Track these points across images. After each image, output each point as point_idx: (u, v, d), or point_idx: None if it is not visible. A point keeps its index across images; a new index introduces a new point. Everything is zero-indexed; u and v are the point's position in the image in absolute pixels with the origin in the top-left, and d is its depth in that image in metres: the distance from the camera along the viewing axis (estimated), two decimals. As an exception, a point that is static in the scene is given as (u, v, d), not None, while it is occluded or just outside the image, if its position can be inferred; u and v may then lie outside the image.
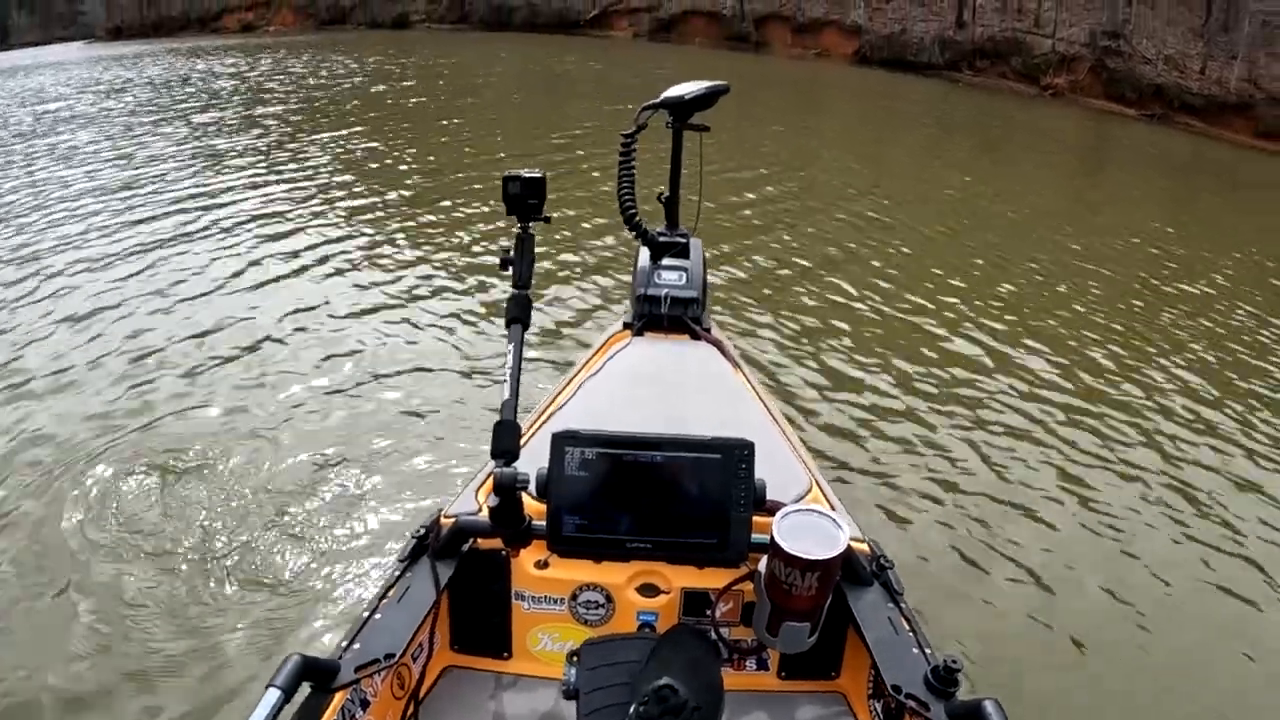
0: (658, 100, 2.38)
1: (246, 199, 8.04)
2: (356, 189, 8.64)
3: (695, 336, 2.35)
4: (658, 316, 2.39)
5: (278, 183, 8.75)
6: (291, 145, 10.68)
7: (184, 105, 14.19)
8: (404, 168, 9.82)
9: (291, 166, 9.50)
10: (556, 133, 12.01)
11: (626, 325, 2.45)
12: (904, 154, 13.72)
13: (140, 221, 7.21)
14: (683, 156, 2.64)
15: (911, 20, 28.19)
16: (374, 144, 10.93)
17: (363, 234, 7.12)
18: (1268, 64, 27.92)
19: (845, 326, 5.44)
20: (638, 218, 2.34)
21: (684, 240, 2.55)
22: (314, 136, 11.32)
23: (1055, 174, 13.56)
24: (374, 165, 9.83)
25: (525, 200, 1.55)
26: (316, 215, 7.59)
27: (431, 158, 10.40)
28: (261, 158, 9.91)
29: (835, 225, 8.13)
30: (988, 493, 3.65)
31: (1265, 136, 25.96)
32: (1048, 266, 7.47)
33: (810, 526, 1.28)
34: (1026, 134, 18.68)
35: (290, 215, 7.57)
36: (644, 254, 2.51)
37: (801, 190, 9.67)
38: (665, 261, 2.47)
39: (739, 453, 1.39)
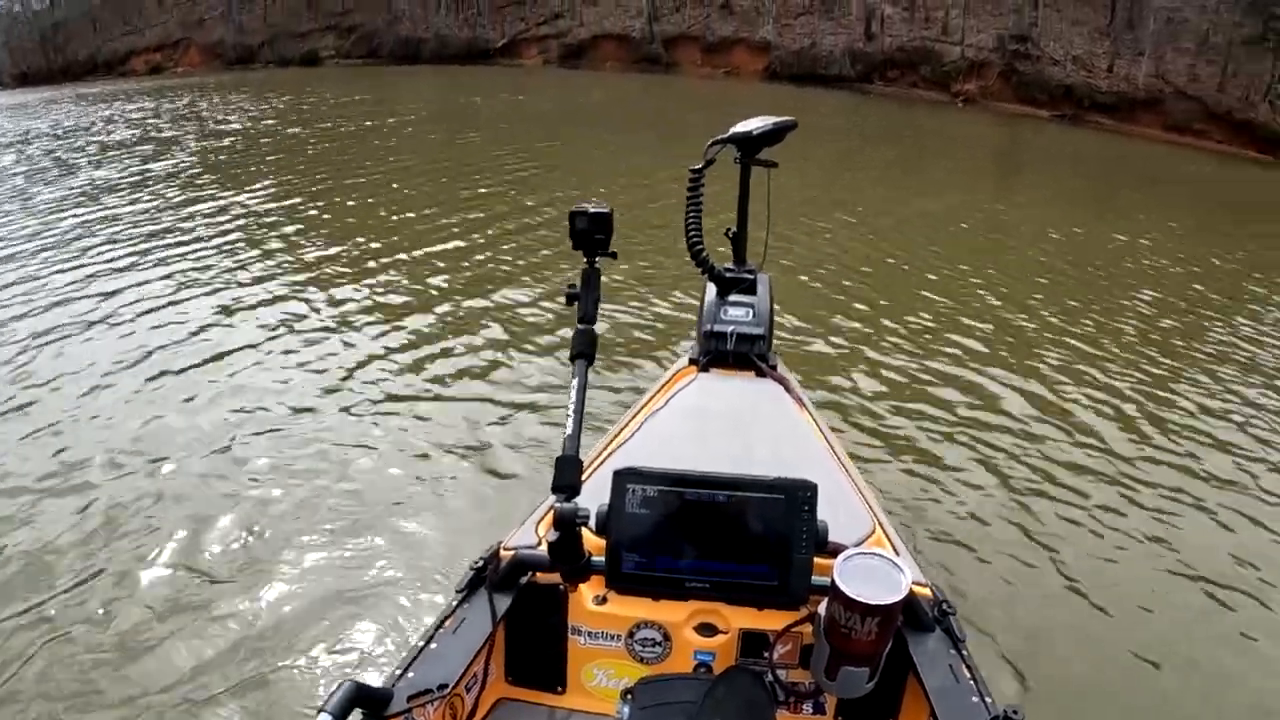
0: (726, 135, 2.33)
1: (160, 266, 6.85)
2: (282, 242, 7.64)
3: (761, 374, 2.31)
4: (723, 353, 2.34)
5: (195, 241, 7.58)
6: (194, 199, 9.44)
7: (84, 157, 12.80)
8: (316, 215, 8.80)
9: (201, 223, 8.26)
10: (489, 175, 10.97)
11: (692, 361, 2.41)
12: (819, 167, 13.18)
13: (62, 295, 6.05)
14: (750, 192, 2.56)
15: (820, 34, 27.89)
16: (282, 195, 9.71)
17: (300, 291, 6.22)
18: (1174, 59, 28.22)
19: (921, 364, 5.19)
20: (704, 253, 2.30)
21: (751, 276, 2.50)
22: (222, 191, 9.93)
23: (967, 178, 13.26)
24: (286, 217, 8.69)
25: (592, 235, 1.52)
26: (257, 273, 6.65)
27: (359, 202, 9.44)
28: (165, 214, 8.66)
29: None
30: (1059, 538, 3.45)
31: (1174, 130, 26.36)
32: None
33: (872, 570, 1.25)
34: (939, 141, 18.26)
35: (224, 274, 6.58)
36: (710, 290, 2.46)
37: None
38: (732, 298, 2.43)
39: (802, 494, 1.35)
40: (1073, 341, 5.74)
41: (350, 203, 9.27)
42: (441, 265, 6.86)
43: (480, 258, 7.10)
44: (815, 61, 27.14)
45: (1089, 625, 2.98)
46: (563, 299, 1.57)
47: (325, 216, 8.68)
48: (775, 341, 2.61)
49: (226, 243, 7.48)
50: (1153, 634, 2.97)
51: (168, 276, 6.42)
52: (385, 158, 12.30)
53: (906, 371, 5.01)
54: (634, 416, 2.14)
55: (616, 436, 2.03)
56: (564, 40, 32.78)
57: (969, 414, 4.50)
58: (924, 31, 26.86)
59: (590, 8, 33.03)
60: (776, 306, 2.58)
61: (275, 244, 7.50)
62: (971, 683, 1.38)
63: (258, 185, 10.19)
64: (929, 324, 5.90)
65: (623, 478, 1.36)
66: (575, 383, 1.45)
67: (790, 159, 2.52)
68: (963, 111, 23.76)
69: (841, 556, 1.27)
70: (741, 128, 2.38)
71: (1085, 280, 7.41)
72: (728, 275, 2.47)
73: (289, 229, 8.04)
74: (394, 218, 8.53)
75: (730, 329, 2.34)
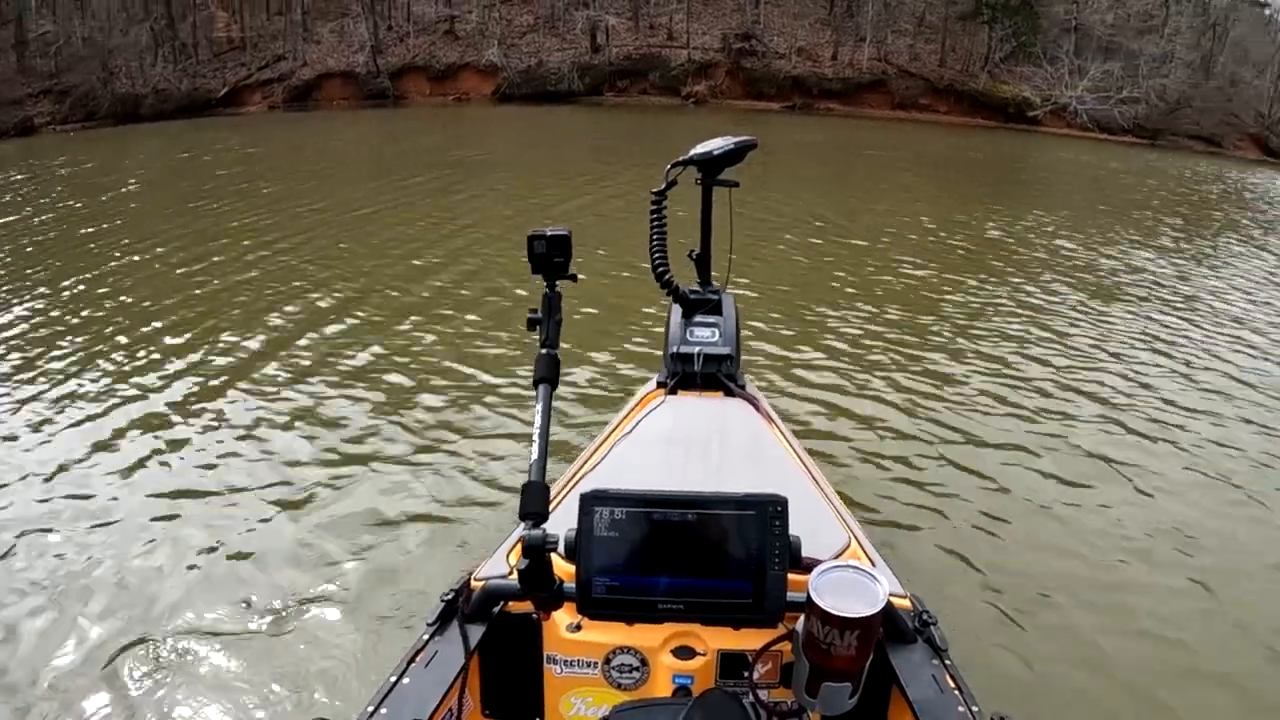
0: (686, 157, 2.35)
1: None
2: None
3: (730, 393, 2.32)
4: (691, 374, 2.34)
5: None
6: None
7: None
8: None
9: None
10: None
11: (660, 384, 2.40)
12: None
13: None
14: (713, 212, 2.57)
15: (547, 51, 26.89)
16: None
17: None
18: (894, 41, 28.88)
19: (889, 373, 5.17)
20: (669, 275, 2.34)
21: (716, 296, 2.51)
22: None
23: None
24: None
25: (551, 259, 1.50)
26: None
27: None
28: None
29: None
30: (1037, 542, 3.41)
31: (901, 108, 27.04)
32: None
33: (848, 583, 1.24)
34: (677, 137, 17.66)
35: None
36: (676, 312, 2.48)
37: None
38: (698, 319, 2.44)
39: (772, 509, 1.33)
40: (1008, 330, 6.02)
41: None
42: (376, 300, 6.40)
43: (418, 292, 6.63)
44: (544, 79, 26.09)
45: (1075, 625, 2.95)
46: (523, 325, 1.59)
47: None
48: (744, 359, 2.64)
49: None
50: (1140, 630, 2.93)
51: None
52: (113, 239, 9.67)
53: (875, 380, 5.01)
54: (603, 442, 2.09)
55: (586, 462, 1.97)
56: (289, 83, 30.36)
57: (941, 420, 4.47)
58: (650, 39, 26.31)
59: (313, 46, 30.83)
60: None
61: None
62: (956, 692, 1.38)
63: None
64: (882, 328, 5.96)
65: (589, 500, 1.33)
66: (539, 408, 1.44)
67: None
68: (695, 113, 23.30)
69: (817, 571, 1.25)
70: (702, 149, 2.39)
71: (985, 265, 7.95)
72: (693, 296, 2.49)
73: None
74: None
75: (697, 350, 2.36)
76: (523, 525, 1.33)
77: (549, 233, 1.50)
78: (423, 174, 12.82)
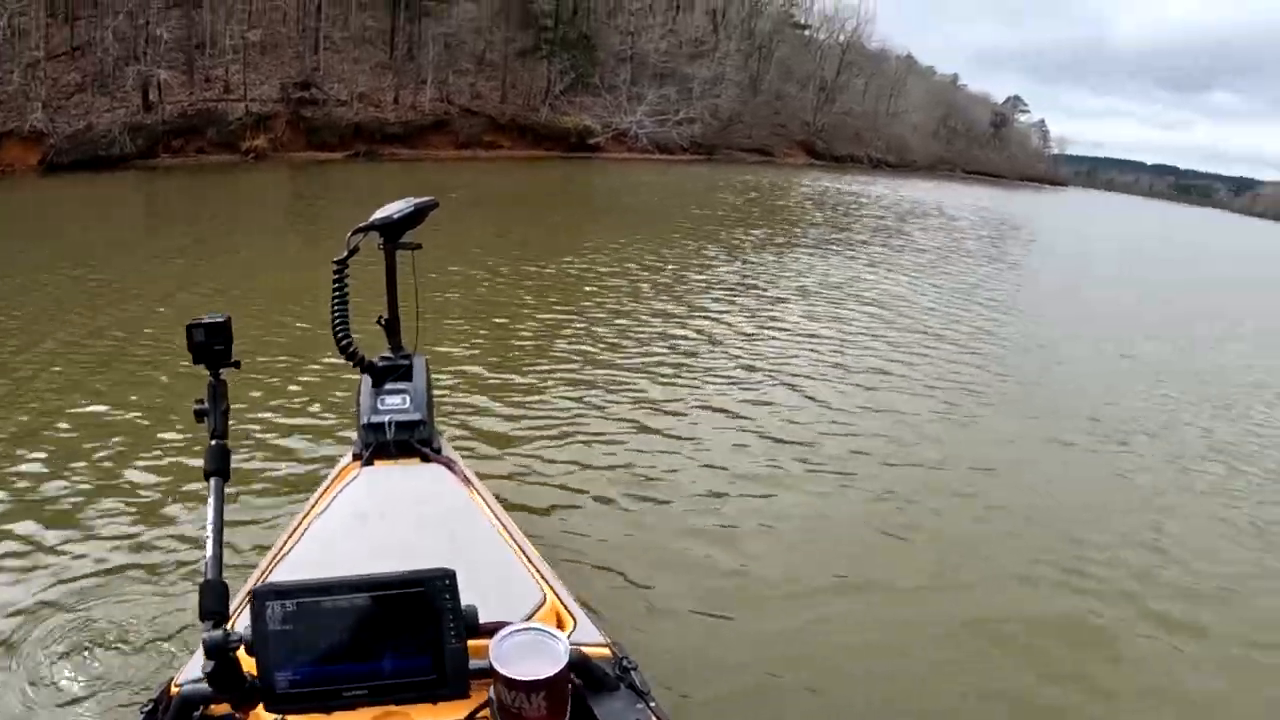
0: (367, 223, 2.36)
1: None
2: None
3: (426, 459, 2.34)
4: (385, 444, 2.34)
5: None
6: None
7: None
8: None
9: None
10: None
11: (356, 456, 2.37)
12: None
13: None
14: (397, 276, 2.63)
15: (97, 112, 25.90)
16: None
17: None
18: (455, 80, 30.73)
19: (581, 418, 5.40)
20: (352, 346, 2.33)
21: (407, 361, 2.54)
22: None
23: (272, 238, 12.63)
24: None
25: (211, 347, 1.49)
26: None
27: None
28: None
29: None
30: (736, 578, 3.67)
31: (466, 146, 28.97)
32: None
33: (529, 645, 1.30)
34: (233, 205, 17.75)
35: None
36: (366, 381, 2.47)
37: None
38: (388, 386, 2.45)
39: (440, 583, 1.34)
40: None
41: None
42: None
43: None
44: (95, 143, 25.03)
45: (774, 651, 3.12)
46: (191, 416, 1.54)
47: None
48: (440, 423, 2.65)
49: None
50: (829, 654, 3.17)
51: None
52: None
53: (569, 428, 5.16)
54: (299, 523, 2.05)
55: (284, 545, 1.94)
56: None
57: (636, 465, 4.66)
58: (205, 93, 26.18)
59: None
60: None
61: None
62: None
63: None
64: (562, 370, 6.31)
65: (259, 598, 1.30)
66: (211, 502, 1.43)
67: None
68: (253, 168, 23.72)
69: (497, 637, 1.30)
70: (383, 213, 2.40)
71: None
72: (381, 364, 2.49)
73: None
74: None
75: (387, 418, 2.35)
76: (205, 626, 1.33)
77: (207, 320, 1.49)
78: None
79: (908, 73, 71.62)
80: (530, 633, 1.35)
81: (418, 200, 2.51)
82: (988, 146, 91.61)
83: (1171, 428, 6.39)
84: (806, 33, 57.32)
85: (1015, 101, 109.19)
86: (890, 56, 68.27)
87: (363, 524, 1.97)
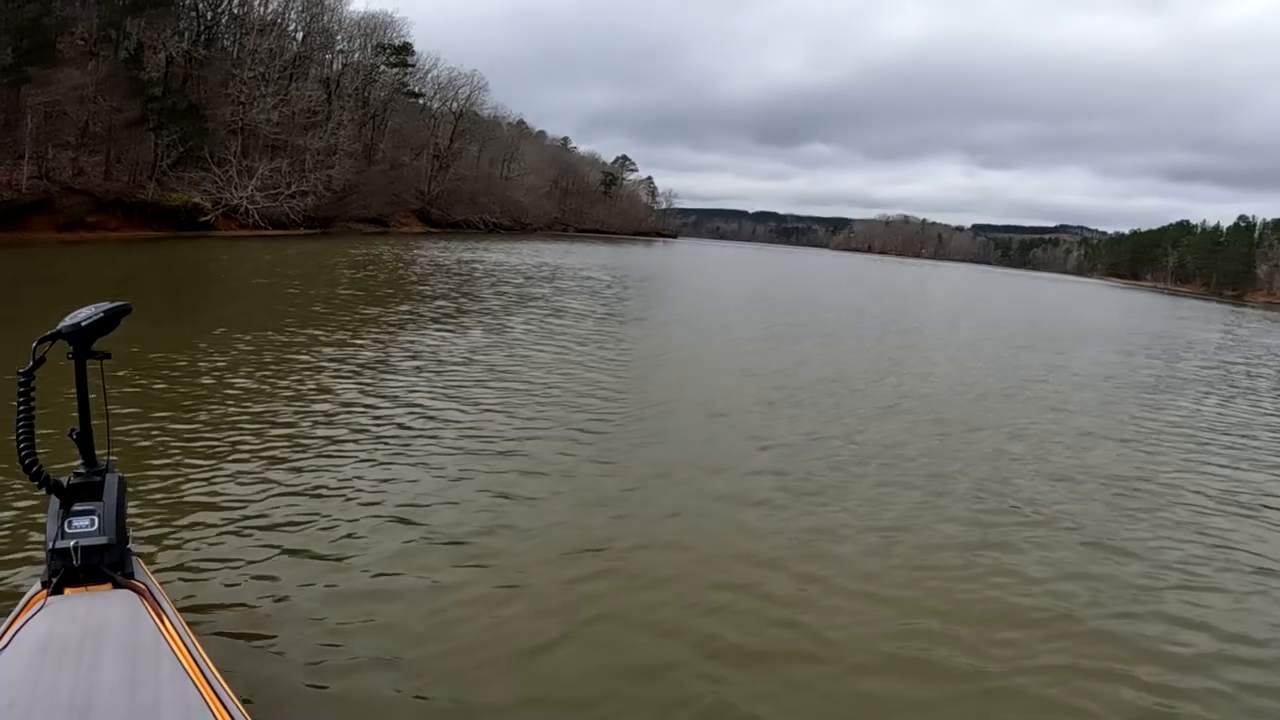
0: (53, 331, 2.25)
1: None
2: None
3: (117, 585, 2.20)
4: (74, 570, 2.21)
5: None
6: None
7: None
8: None
9: None
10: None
11: (45, 584, 2.23)
12: None
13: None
14: (88, 387, 2.47)
15: None
16: None
17: None
18: (56, 154, 29.63)
19: (277, 528, 4.96)
20: (37, 465, 2.19)
21: (99, 479, 2.40)
22: None
23: None
24: None
25: None
26: None
27: None
28: None
29: None
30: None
31: (70, 229, 27.91)
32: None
33: None
34: None
35: None
36: (54, 503, 2.33)
37: None
38: (76, 507, 2.31)
39: None
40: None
41: None
42: None
43: None
44: None
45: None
46: None
47: None
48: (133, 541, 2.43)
49: None
50: None
51: None
52: None
53: (268, 535, 4.82)
54: None
55: None
56: None
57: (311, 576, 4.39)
58: None
59: None
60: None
61: None
62: None
63: None
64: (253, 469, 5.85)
65: None
66: None
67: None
68: None
69: None
70: (70, 320, 2.28)
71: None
72: (71, 483, 2.36)
73: None
74: None
75: (74, 543, 2.22)
76: None
77: None
78: None
79: (520, 138, 77.99)
80: None
81: (108, 305, 2.39)
82: (599, 204, 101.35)
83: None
84: (420, 100, 60.02)
85: (624, 161, 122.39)
86: (503, 123, 74.20)
87: (41, 661, 1.86)
